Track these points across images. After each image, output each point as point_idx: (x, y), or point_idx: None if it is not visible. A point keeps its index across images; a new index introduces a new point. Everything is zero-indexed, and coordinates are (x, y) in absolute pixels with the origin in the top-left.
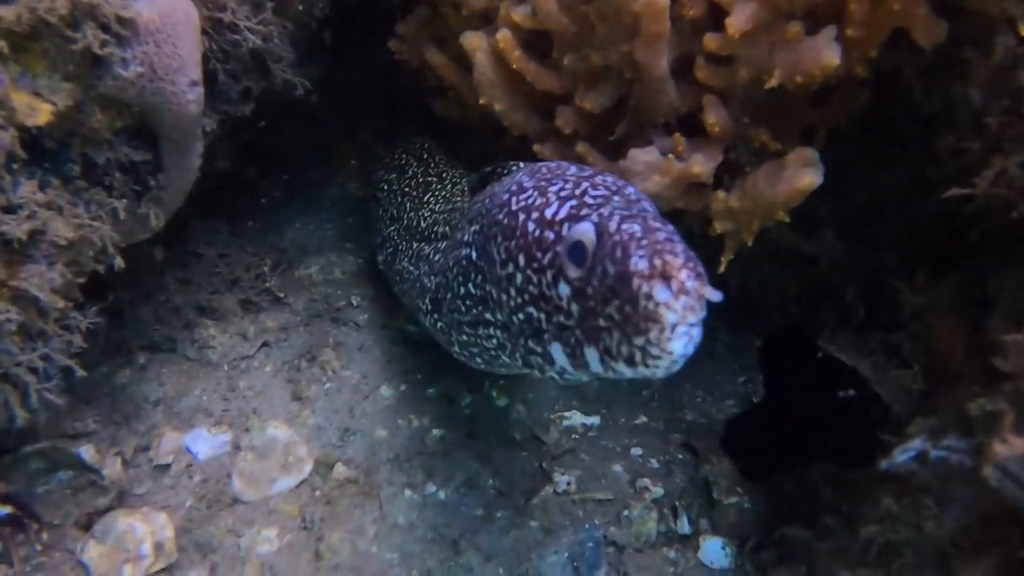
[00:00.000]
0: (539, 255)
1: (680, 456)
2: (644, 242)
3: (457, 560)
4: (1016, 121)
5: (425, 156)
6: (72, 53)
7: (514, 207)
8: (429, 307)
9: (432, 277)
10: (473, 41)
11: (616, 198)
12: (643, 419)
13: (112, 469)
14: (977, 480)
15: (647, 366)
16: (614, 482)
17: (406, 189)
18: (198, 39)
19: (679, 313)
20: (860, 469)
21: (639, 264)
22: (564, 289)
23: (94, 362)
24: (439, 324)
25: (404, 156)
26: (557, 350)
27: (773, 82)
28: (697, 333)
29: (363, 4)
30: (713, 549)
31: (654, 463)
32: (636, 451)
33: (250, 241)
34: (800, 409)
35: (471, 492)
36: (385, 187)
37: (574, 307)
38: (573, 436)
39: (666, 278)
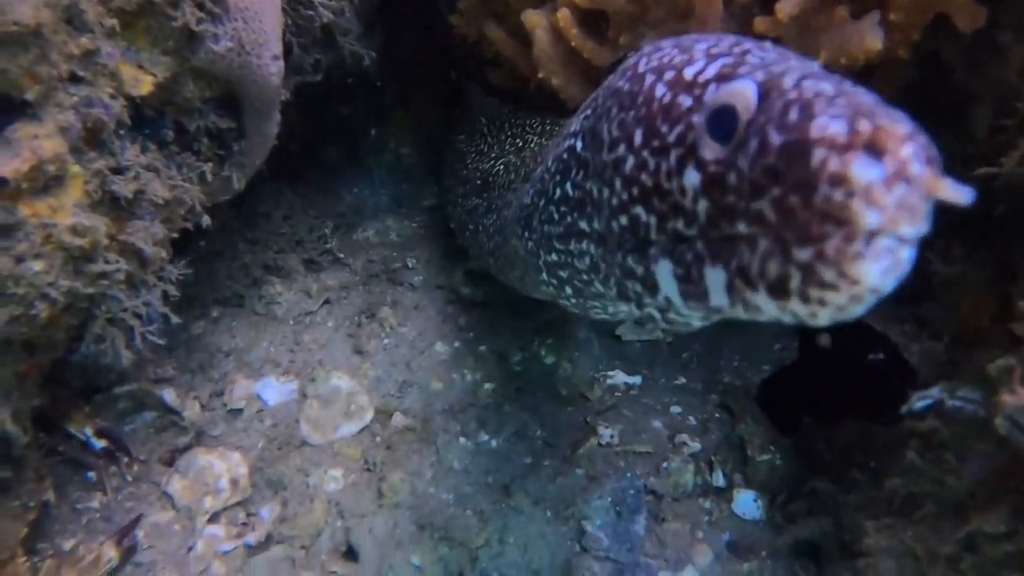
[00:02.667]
0: (664, 129)
1: (717, 415)
2: (841, 101)
3: (508, 502)
4: None
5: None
6: (171, 29)
7: (642, 68)
8: (522, 225)
9: (528, 190)
10: (533, 19)
11: (794, 61)
12: (682, 380)
13: (191, 411)
14: (992, 436)
15: (807, 301)
16: (654, 437)
17: (503, 137)
18: (280, 15)
19: (888, 213)
20: (886, 427)
21: (830, 125)
22: (692, 178)
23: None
24: (529, 244)
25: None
26: (665, 271)
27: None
28: (908, 257)
29: None
30: (746, 501)
31: (692, 421)
32: (675, 409)
33: (312, 204)
34: (832, 370)
35: (520, 442)
36: (475, 139)
37: (701, 205)
38: (616, 394)
39: (875, 150)
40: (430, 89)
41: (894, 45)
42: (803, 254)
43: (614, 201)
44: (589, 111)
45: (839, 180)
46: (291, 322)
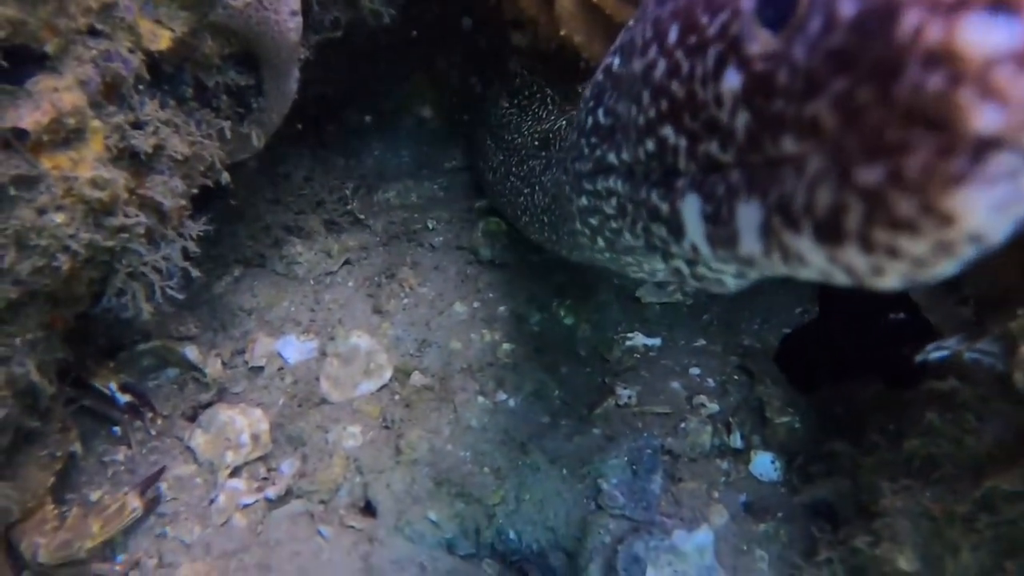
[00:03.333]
0: (704, 20)
1: (736, 377)
2: None
3: (525, 460)
4: None
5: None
6: None
7: None
8: (563, 168)
9: (572, 129)
10: None
11: None
12: (702, 342)
13: (213, 368)
14: (1014, 395)
15: (870, 249)
16: (672, 397)
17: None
18: None
19: (1017, 112)
20: (906, 389)
21: None
22: (732, 81)
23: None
24: (566, 188)
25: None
26: (692, 209)
27: None
28: None
29: None
30: (763, 463)
31: (711, 382)
32: (694, 371)
33: (333, 165)
34: (853, 329)
35: (538, 401)
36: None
37: (741, 119)
38: (635, 355)
39: (1004, 4)
40: (453, 51)
41: None
42: (869, 175)
43: (641, 120)
44: (632, 21)
45: (939, 55)
46: (312, 282)
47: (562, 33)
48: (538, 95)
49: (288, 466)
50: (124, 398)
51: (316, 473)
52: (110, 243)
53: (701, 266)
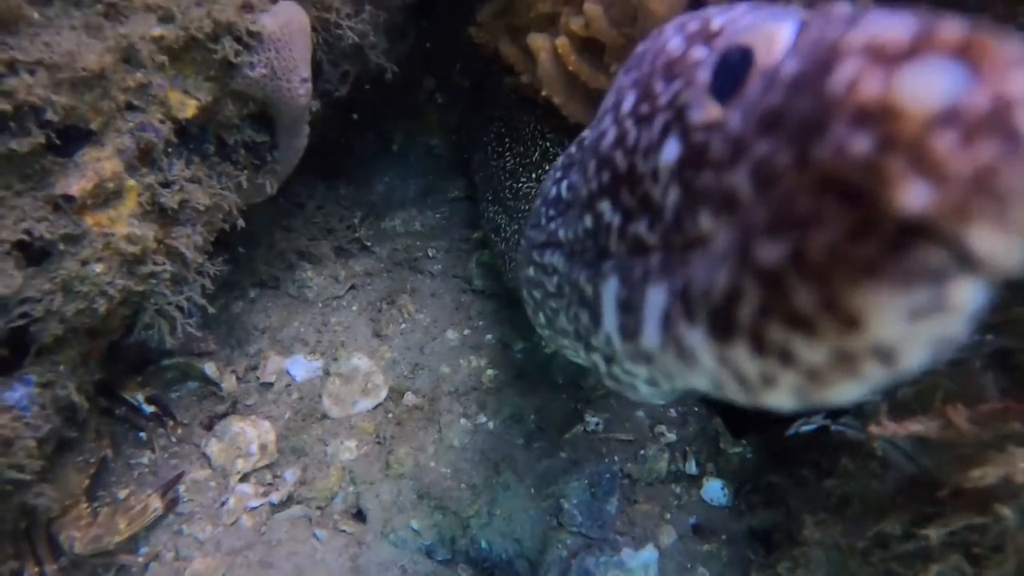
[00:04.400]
0: (659, 88)
1: (696, 409)
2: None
3: (497, 478)
4: None
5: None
6: (213, 60)
7: (669, 24)
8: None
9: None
10: (538, 42)
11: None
12: None
13: (228, 383)
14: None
15: (762, 350)
16: (636, 426)
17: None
18: (309, 42)
19: (955, 189)
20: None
21: (886, 27)
22: (670, 153)
23: (215, 295)
24: (521, 254)
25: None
26: (610, 294)
27: None
28: (971, 303)
29: None
30: (714, 489)
31: (672, 413)
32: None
33: (343, 195)
34: None
35: (515, 425)
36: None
37: (672, 196)
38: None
39: (964, 58)
40: (460, 85)
41: None
42: (770, 253)
43: (584, 193)
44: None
45: (873, 113)
46: (320, 305)
47: (543, 93)
48: (529, 140)
49: (291, 474)
50: (149, 408)
51: (315, 481)
52: (141, 288)
53: (616, 365)
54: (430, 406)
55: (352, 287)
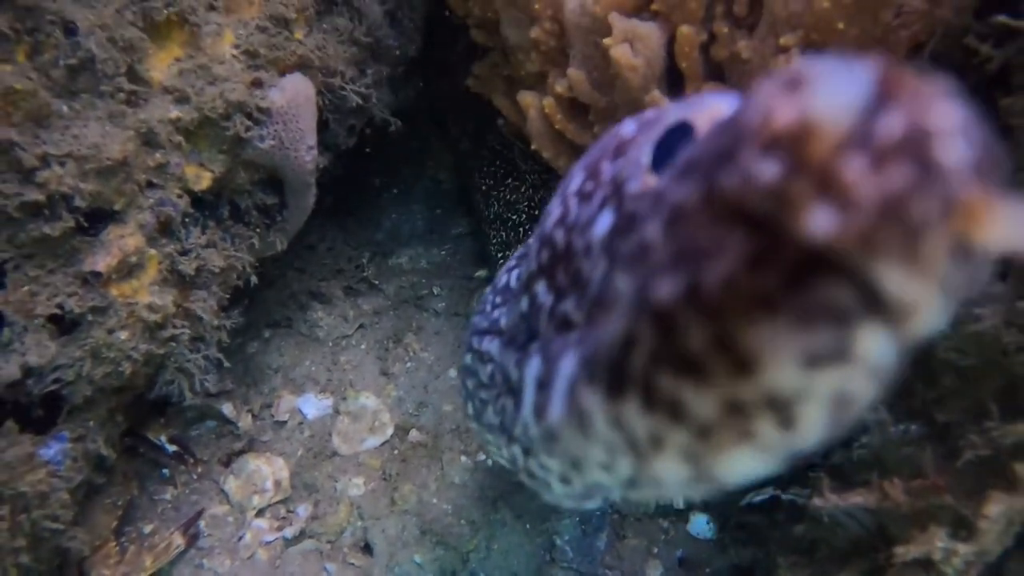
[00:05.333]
0: (605, 166)
1: None
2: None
3: (495, 515)
4: None
5: None
6: (226, 136)
7: (630, 118)
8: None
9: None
10: (527, 99)
11: None
12: None
13: (244, 422)
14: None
15: (651, 406)
16: None
17: None
18: (314, 111)
19: (862, 213)
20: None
21: (807, 65)
22: (603, 223)
23: (232, 335)
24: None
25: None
26: (532, 373)
27: None
28: (884, 357)
29: (450, 39)
30: (700, 523)
31: None
32: None
33: (352, 235)
34: None
35: None
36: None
37: (599, 268)
38: None
39: (882, 90)
40: (466, 123)
41: None
42: (665, 288)
43: (524, 277)
44: None
45: (784, 138)
46: (330, 344)
47: (533, 147)
48: (517, 182)
49: (303, 510)
50: (171, 448)
51: (326, 516)
52: (162, 350)
53: (532, 458)
54: (433, 443)
55: (360, 326)
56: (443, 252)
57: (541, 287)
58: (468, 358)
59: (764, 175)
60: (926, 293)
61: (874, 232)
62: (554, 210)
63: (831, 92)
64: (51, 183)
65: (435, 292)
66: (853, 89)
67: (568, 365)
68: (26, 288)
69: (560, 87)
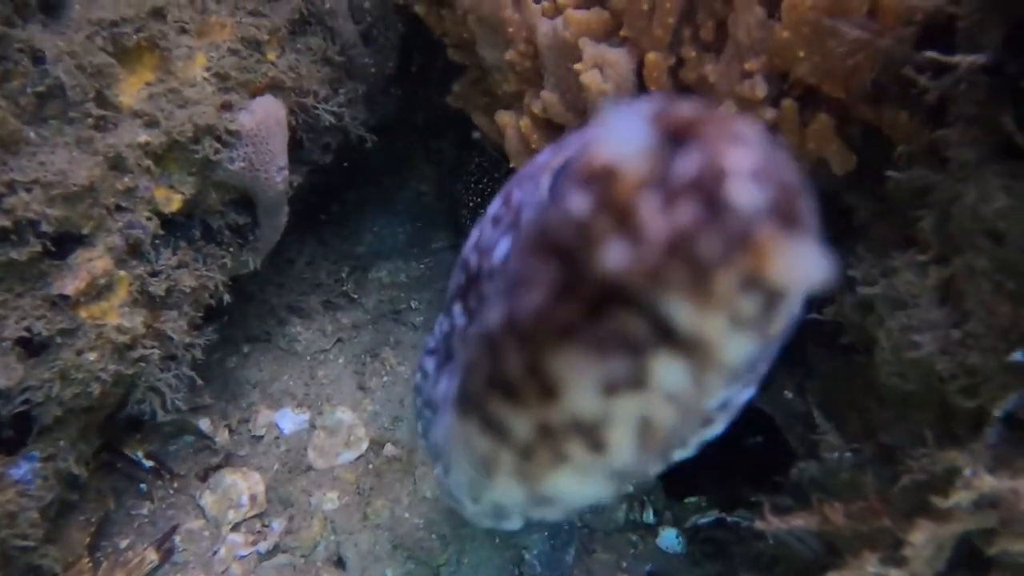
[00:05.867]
0: (515, 193)
1: None
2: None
3: (465, 530)
4: None
5: None
6: (195, 159)
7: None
8: None
9: None
10: (504, 119)
11: None
12: None
13: (221, 436)
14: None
15: (488, 426)
16: None
17: None
18: (285, 133)
19: (647, 257)
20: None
21: (643, 104)
22: (502, 249)
23: (211, 351)
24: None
25: None
26: (440, 392)
27: None
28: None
29: (430, 54)
30: (669, 537)
31: None
32: None
33: (332, 249)
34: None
35: None
36: None
37: (496, 285)
38: None
39: (675, 129)
40: (448, 134)
41: None
42: (492, 317)
43: (448, 297)
44: None
45: (596, 176)
46: (308, 358)
47: (511, 165)
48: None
49: (278, 524)
50: (148, 463)
51: (300, 531)
52: (131, 371)
53: (448, 476)
54: (408, 457)
55: (338, 340)
56: (422, 266)
57: (457, 308)
58: (418, 376)
59: (574, 211)
60: (715, 326)
61: (662, 267)
62: (474, 233)
63: (618, 137)
64: (17, 209)
65: (413, 306)
66: (633, 134)
67: (451, 387)
68: None
69: (536, 107)
